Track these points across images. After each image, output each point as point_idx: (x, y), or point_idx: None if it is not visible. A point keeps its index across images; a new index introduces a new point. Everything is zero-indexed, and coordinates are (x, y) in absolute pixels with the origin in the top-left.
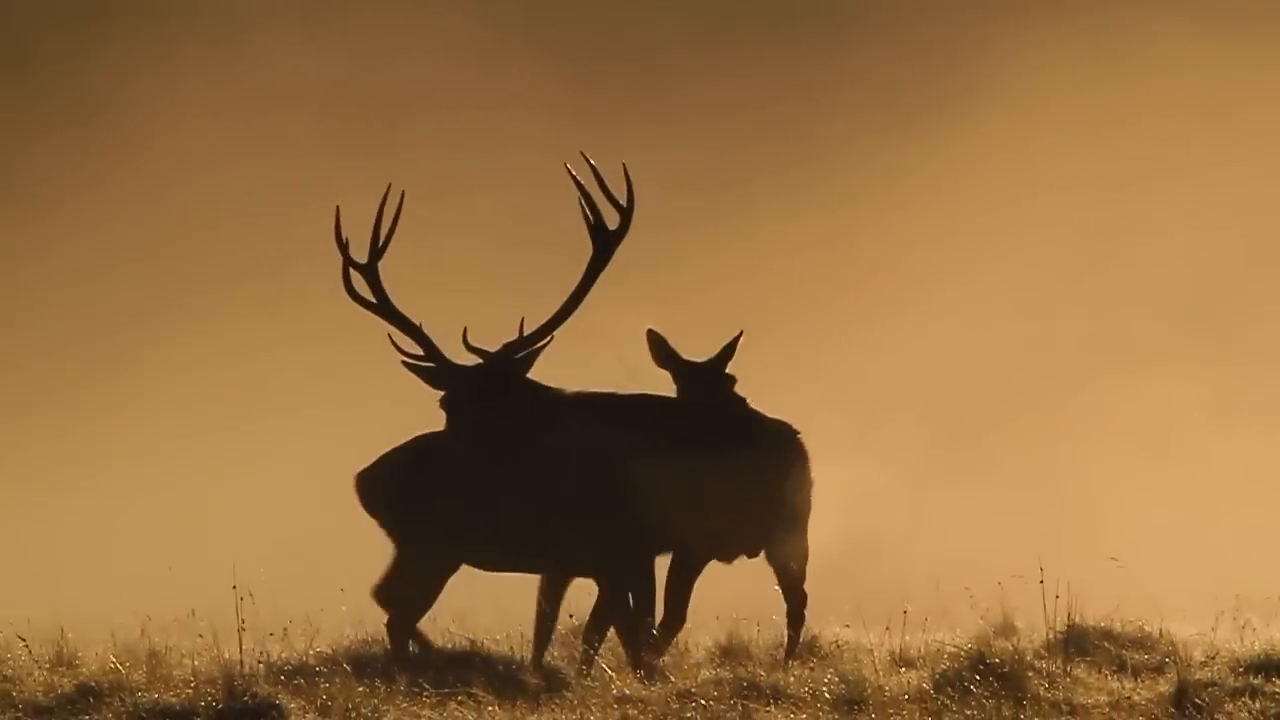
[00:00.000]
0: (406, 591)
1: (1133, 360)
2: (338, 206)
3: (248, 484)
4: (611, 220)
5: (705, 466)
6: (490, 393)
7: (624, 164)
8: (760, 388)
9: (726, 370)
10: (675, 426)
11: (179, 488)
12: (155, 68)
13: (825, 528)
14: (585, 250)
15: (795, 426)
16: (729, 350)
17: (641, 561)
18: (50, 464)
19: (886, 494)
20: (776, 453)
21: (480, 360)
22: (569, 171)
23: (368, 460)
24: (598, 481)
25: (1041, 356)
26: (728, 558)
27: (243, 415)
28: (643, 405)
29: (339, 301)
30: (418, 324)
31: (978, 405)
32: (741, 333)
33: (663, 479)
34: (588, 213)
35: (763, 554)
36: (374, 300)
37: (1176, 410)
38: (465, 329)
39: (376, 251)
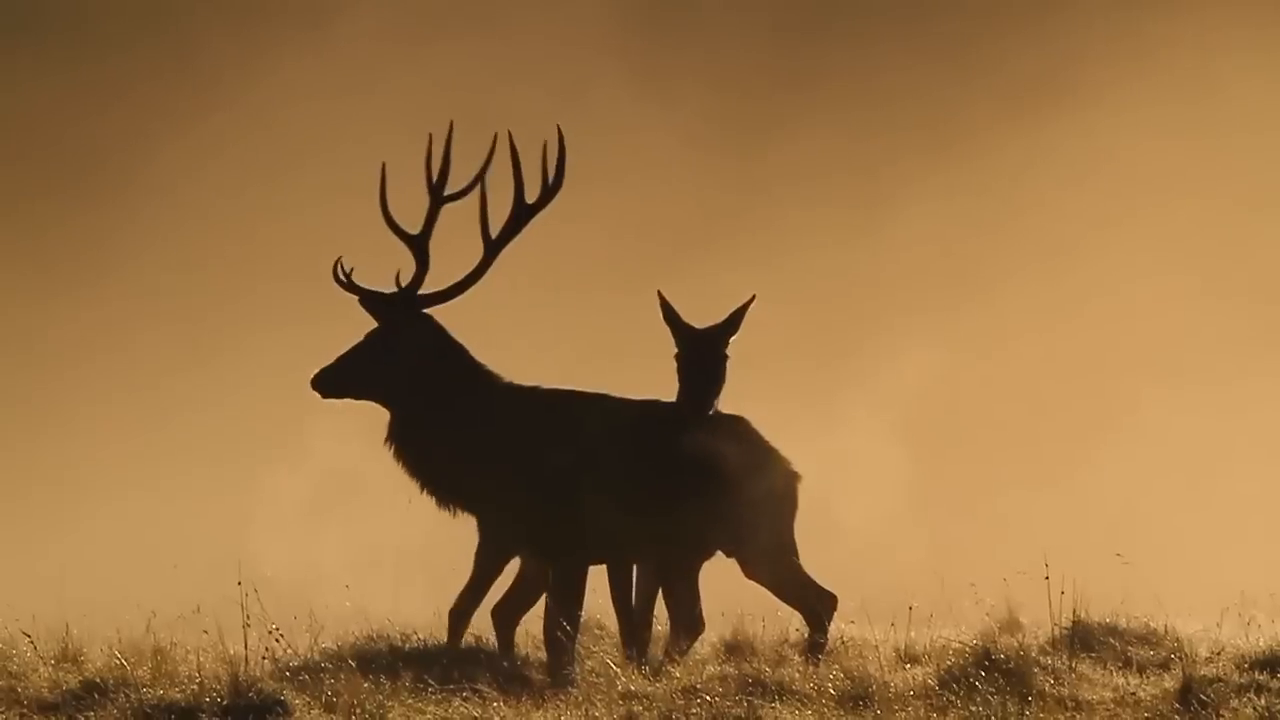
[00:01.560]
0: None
1: (1146, 364)
2: (430, 135)
3: (252, 481)
4: (533, 194)
5: (657, 467)
6: (391, 325)
7: (558, 126)
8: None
9: (728, 340)
10: (624, 428)
11: (184, 484)
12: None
13: (829, 523)
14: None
15: (743, 416)
16: (736, 317)
17: (573, 559)
18: (54, 459)
19: (889, 490)
20: (726, 444)
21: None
22: (509, 138)
23: (377, 458)
24: (537, 478)
25: (1057, 357)
26: (699, 556)
27: (246, 414)
28: (594, 405)
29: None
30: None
31: (982, 402)
32: (753, 297)
33: (613, 482)
34: (517, 182)
35: (743, 567)
36: (416, 233)
37: (1182, 410)
38: (340, 257)
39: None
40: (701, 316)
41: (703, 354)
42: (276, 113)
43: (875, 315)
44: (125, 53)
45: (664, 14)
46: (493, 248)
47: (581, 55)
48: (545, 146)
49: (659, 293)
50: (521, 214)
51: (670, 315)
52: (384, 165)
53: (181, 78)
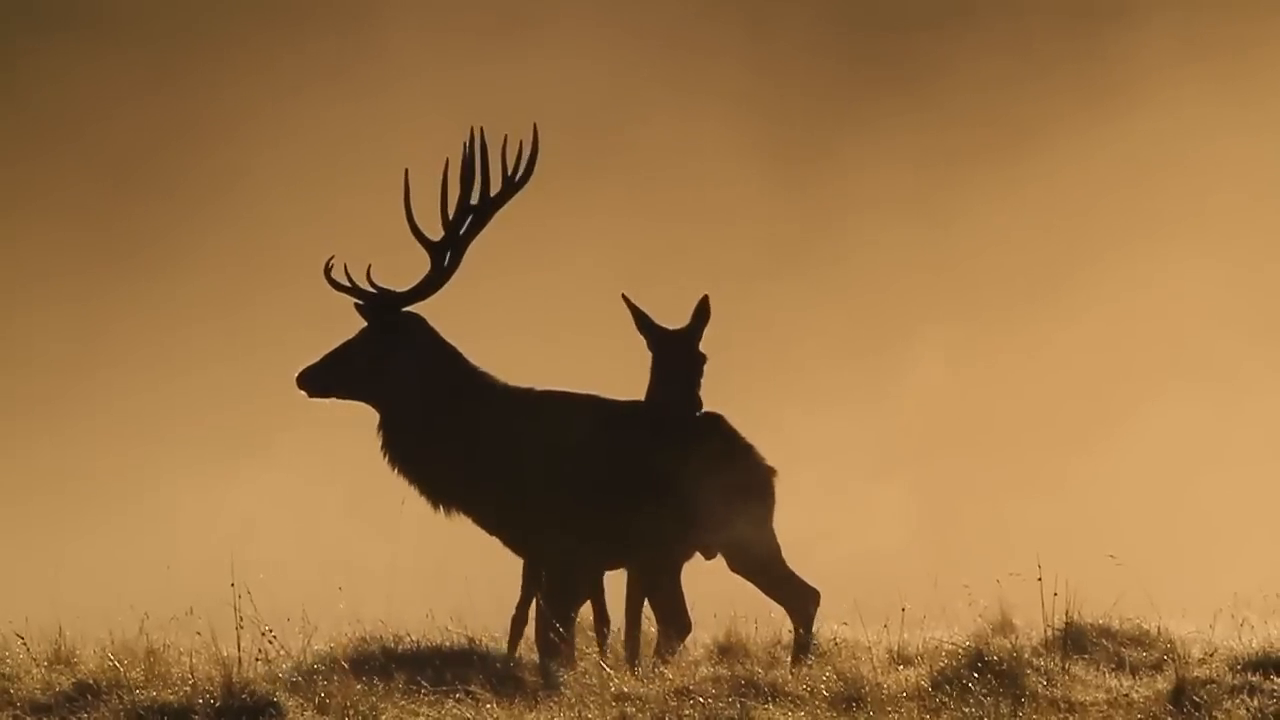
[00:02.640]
0: None
1: (1140, 367)
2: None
3: (247, 481)
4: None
5: (639, 467)
6: (381, 325)
7: (534, 124)
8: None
9: (699, 338)
10: (610, 428)
11: (178, 484)
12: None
13: (824, 522)
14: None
15: (718, 413)
16: (700, 315)
17: (565, 560)
18: (48, 460)
19: (888, 491)
20: (704, 443)
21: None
22: (477, 133)
23: (371, 457)
24: (526, 472)
25: (1051, 360)
26: (681, 555)
27: (244, 411)
28: (581, 406)
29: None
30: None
31: (979, 402)
32: (706, 296)
33: (593, 478)
34: (477, 174)
35: (727, 561)
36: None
37: (1176, 412)
38: (332, 256)
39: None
40: (740, 323)
41: (680, 355)
42: (323, 117)
43: (893, 318)
44: (179, 49)
45: (716, 8)
46: (455, 242)
47: (638, 53)
48: (520, 144)
49: (624, 296)
50: (485, 207)
51: (641, 320)
52: (406, 172)
53: (230, 77)
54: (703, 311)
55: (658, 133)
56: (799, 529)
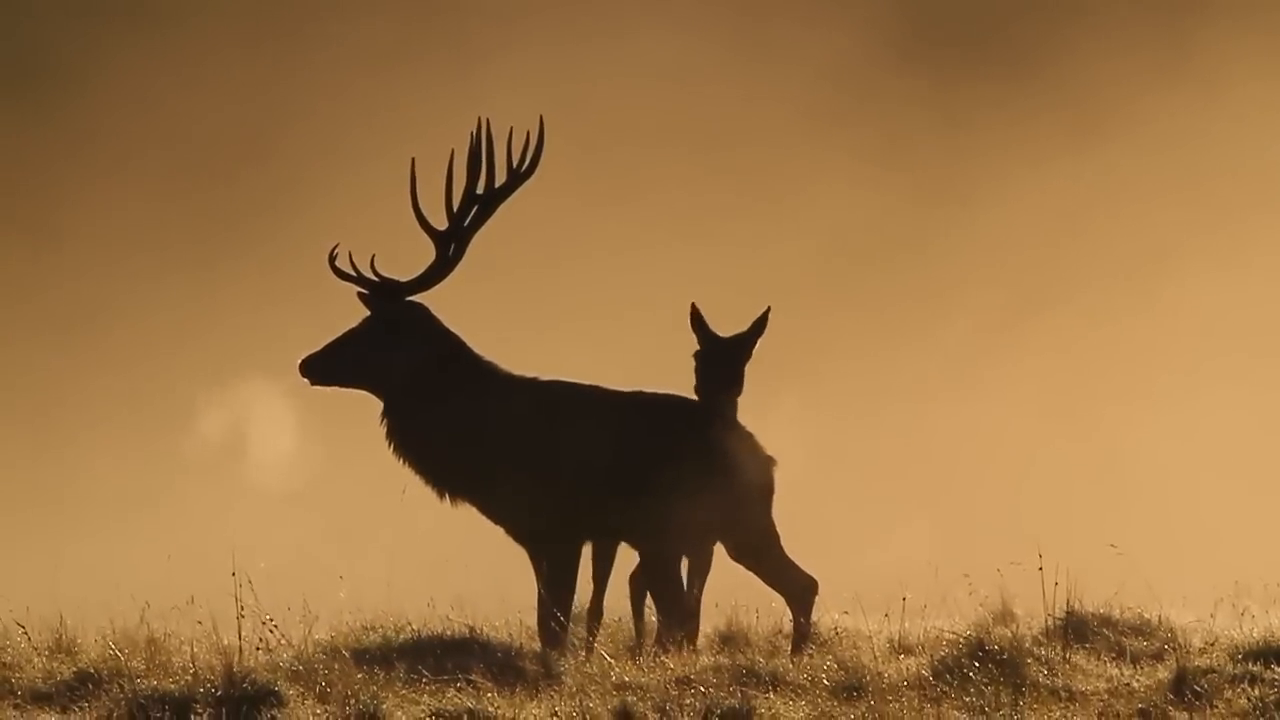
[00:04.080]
0: None
1: (1140, 356)
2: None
3: (245, 473)
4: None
5: (638, 455)
6: (380, 314)
7: (540, 116)
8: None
9: (749, 349)
10: (611, 418)
11: (178, 474)
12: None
13: (824, 513)
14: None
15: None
16: (758, 326)
17: (560, 546)
18: (48, 451)
19: (883, 482)
20: (705, 432)
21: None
22: (482, 123)
23: (375, 446)
24: (525, 460)
25: (1054, 350)
26: (684, 545)
27: (240, 406)
28: (583, 395)
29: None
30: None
31: (976, 396)
32: (769, 308)
33: (594, 467)
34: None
35: (727, 549)
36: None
37: (1175, 401)
38: (337, 244)
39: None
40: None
41: (719, 361)
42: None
43: (917, 309)
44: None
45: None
46: (460, 232)
47: (710, 30)
48: (527, 134)
49: (693, 305)
50: (489, 198)
51: (699, 326)
52: (413, 161)
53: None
54: (760, 323)
55: (727, 112)
56: (800, 524)
